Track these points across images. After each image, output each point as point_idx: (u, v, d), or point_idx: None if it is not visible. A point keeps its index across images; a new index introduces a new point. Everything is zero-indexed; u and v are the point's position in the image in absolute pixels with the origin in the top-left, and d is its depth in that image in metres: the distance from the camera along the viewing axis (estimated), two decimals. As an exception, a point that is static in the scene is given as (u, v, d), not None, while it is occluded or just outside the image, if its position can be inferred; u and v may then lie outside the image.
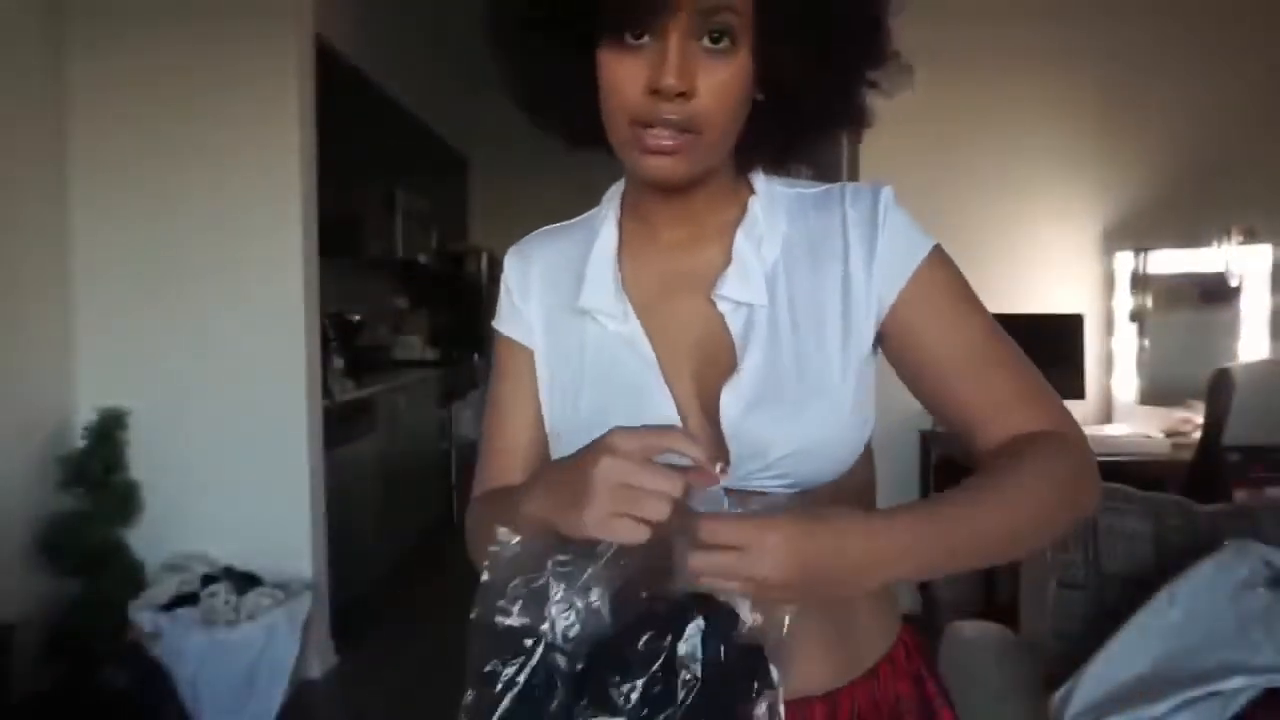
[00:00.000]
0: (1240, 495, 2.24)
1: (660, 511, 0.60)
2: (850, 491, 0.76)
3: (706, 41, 0.68)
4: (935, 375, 0.77)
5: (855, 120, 0.78)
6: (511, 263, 0.87)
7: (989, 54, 3.52)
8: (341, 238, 3.75)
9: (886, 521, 0.63)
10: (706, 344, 0.78)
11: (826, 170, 3.96)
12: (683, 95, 0.68)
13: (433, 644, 3.42)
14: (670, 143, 0.70)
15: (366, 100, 4.40)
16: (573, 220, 0.88)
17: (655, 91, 0.67)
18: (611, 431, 0.63)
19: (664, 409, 0.76)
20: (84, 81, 2.94)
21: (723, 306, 0.77)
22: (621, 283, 0.81)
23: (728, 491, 0.65)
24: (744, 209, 0.80)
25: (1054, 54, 3.52)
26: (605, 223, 0.83)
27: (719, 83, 0.69)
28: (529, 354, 0.85)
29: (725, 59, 0.69)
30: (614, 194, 0.85)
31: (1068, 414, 0.77)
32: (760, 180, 0.81)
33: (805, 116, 0.76)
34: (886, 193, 0.78)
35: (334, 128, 3.38)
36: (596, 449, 0.62)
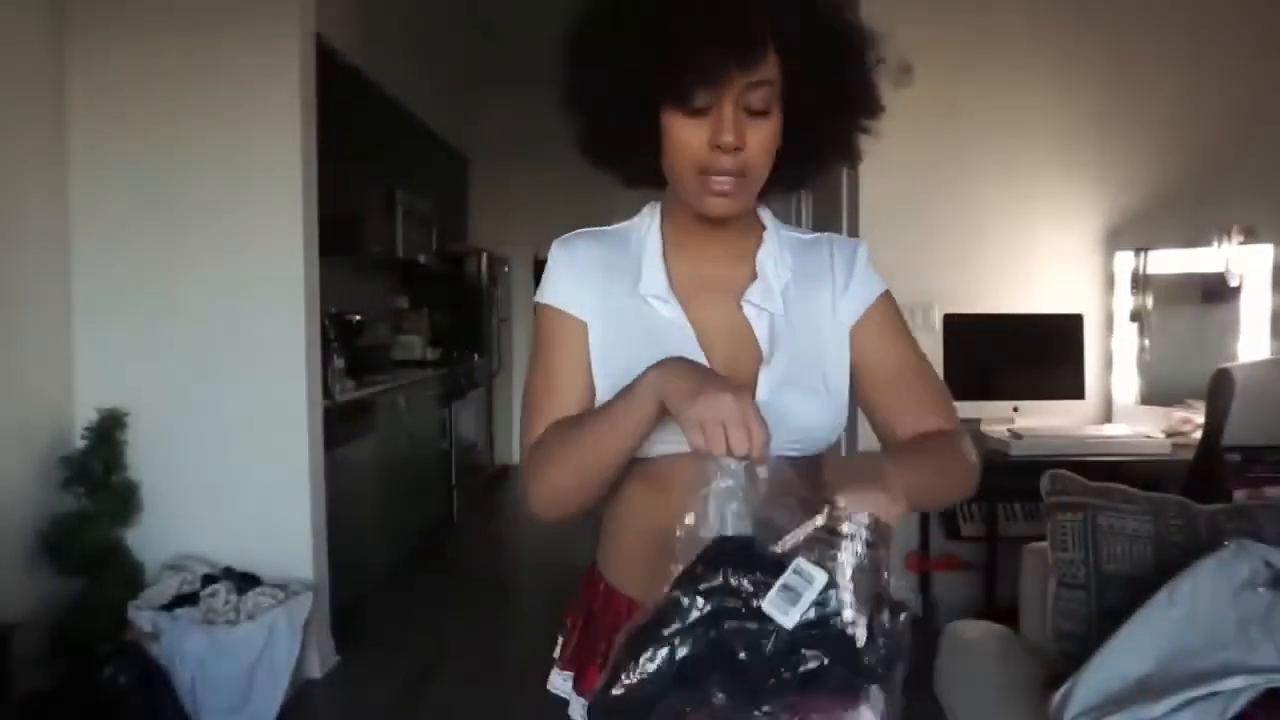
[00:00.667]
0: (1240, 495, 2.23)
1: (719, 448, 0.77)
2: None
3: (748, 109, 0.90)
4: (872, 382, 1.03)
5: (851, 158, 1.03)
6: (561, 251, 1.04)
7: (990, 54, 3.52)
8: (341, 238, 3.74)
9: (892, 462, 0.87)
10: (733, 338, 1.00)
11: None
12: (737, 149, 0.90)
13: (433, 644, 3.42)
14: (727, 185, 0.92)
15: (366, 100, 4.40)
16: (608, 228, 1.08)
17: (717, 146, 0.89)
18: (745, 388, 0.85)
19: None
20: (84, 82, 2.94)
21: (748, 310, 1.01)
22: (669, 280, 1.01)
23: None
24: (760, 238, 1.04)
25: (1054, 54, 3.51)
26: (650, 233, 1.04)
27: (760, 139, 0.91)
28: (581, 325, 1.01)
29: (763, 120, 0.91)
30: (651, 212, 1.06)
31: (958, 419, 1.03)
32: (769, 219, 1.06)
33: (816, 158, 1.00)
34: (864, 248, 1.07)
35: (334, 128, 3.38)
36: (735, 385, 0.81)
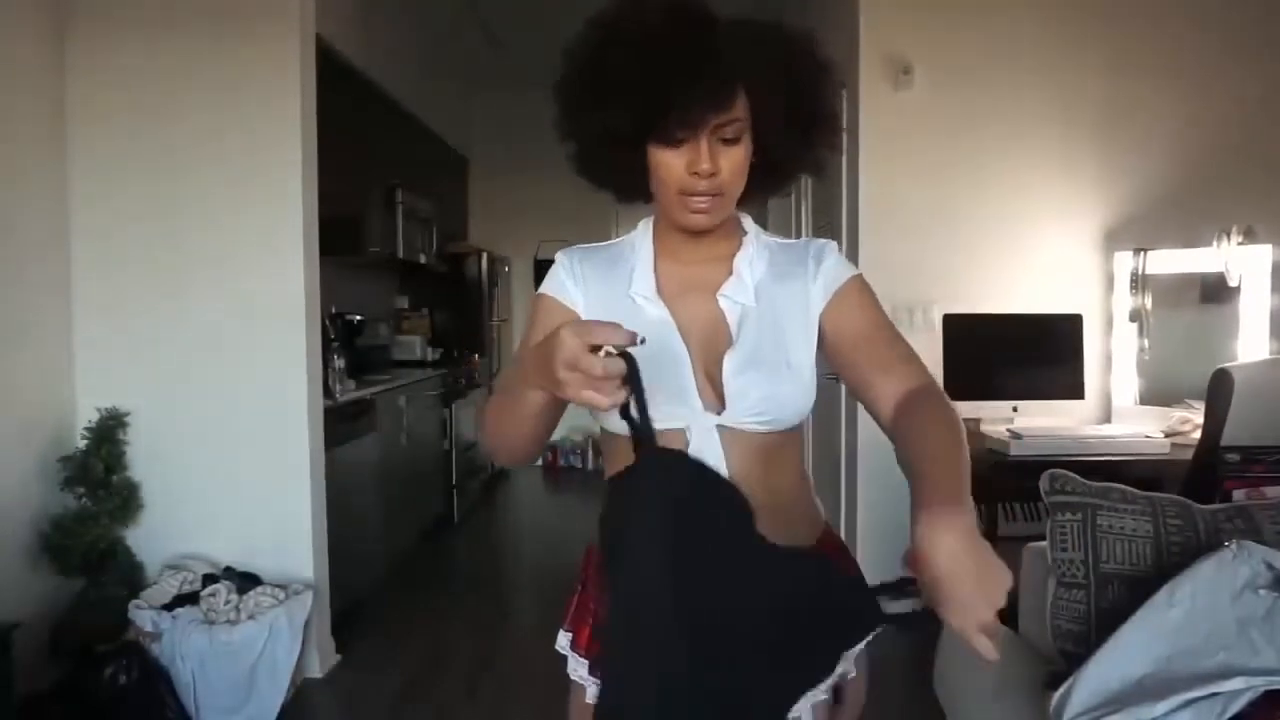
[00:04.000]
0: (1239, 495, 2.23)
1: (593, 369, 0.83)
2: (795, 433, 1.16)
3: (721, 139, 1.06)
4: (849, 343, 1.12)
5: (815, 172, 1.20)
6: (565, 258, 1.21)
7: (990, 54, 3.52)
8: (341, 238, 3.74)
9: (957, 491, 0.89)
10: (710, 329, 1.13)
11: (829, 172, 3.91)
12: (712, 175, 1.05)
13: (433, 644, 3.42)
14: (705, 204, 1.08)
15: (366, 100, 4.40)
16: (607, 242, 1.24)
17: (695, 173, 1.05)
18: (561, 327, 0.86)
19: (683, 365, 1.10)
20: (84, 81, 2.94)
21: (724, 304, 1.14)
22: (657, 283, 1.16)
23: (720, 428, 1.08)
24: (739, 244, 1.19)
25: (1055, 54, 3.52)
26: (642, 245, 1.20)
27: (731, 164, 1.07)
28: (572, 313, 1.15)
29: (734, 147, 1.07)
30: (645, 226, 1.22)
31: (928, 372, 1.11)
32: (750, 227, 1.21)
33: (782, 173, 1.16)
34: (833, 244, 1.20)
35: (334, 128, 3.38)
36: (553, 338, 0.86)
